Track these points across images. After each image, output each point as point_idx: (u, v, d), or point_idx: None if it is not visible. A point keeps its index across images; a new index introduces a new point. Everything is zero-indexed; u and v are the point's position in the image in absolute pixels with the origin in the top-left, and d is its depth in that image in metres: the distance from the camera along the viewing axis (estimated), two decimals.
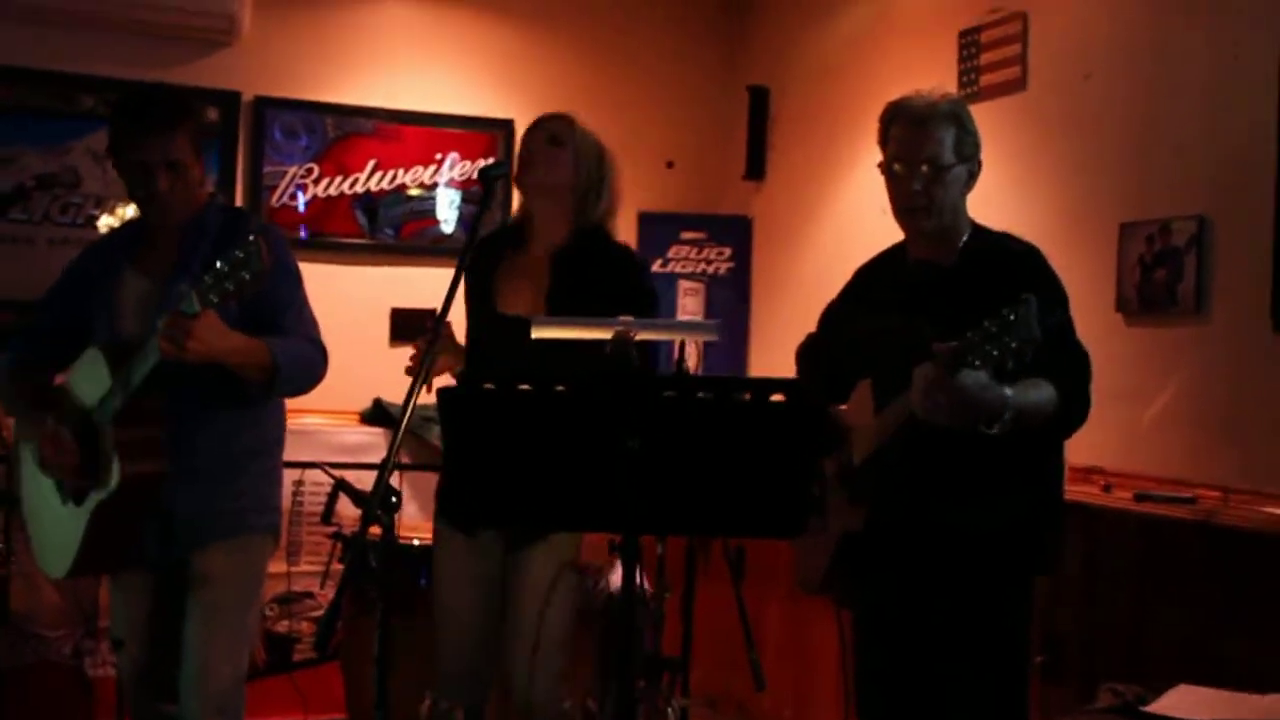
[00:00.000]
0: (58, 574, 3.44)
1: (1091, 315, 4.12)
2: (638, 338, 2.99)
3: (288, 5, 5.84)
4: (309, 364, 3.39)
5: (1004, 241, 3.15)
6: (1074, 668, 4.10)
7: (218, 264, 2.99)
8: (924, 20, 5.15)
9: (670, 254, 6.19)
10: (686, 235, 6.16)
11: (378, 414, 5.69)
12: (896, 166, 3.13)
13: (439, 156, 5.95)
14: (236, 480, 3.47)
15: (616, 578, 4.70)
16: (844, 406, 3.24)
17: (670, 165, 6.36)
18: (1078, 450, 4.15)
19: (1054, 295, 3.00)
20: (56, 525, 3.41)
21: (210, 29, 5.60)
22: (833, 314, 3.48)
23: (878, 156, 4.79)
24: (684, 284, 6.19)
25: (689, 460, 2.39)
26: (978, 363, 2.59)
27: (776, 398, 2.38)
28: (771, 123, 6.13)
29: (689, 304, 6.17)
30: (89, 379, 3.38)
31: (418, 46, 6.09)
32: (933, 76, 4.96)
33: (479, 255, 3.61)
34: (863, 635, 3.24)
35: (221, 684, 3.38)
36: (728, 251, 6.24)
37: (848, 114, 5.53)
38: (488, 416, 2.43)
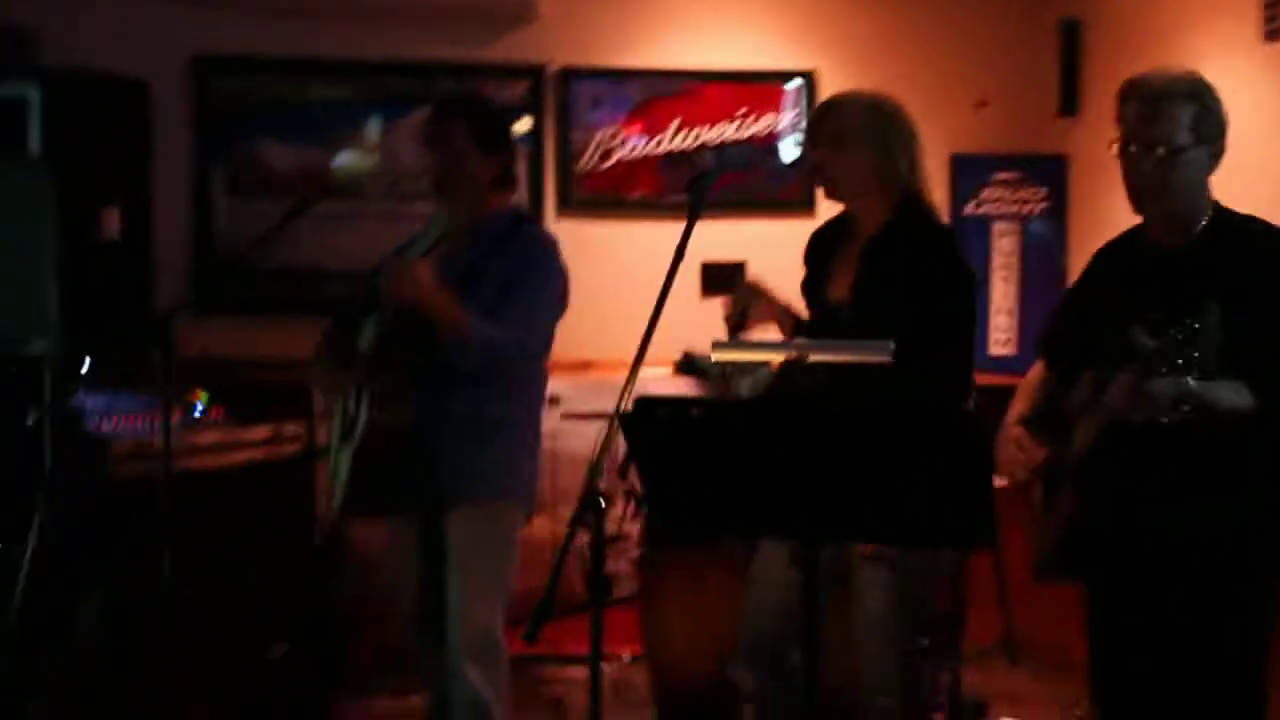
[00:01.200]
0: (335, 503, 3.85)
1: None
2: (811, 359, 3.03)
3: None
4: (501, 352, 3.66)
5: (1246, 226, 3.06)
6: None
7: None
8: None
9: (983, 195, 6.20)
10: (1000, 176, 6.14)
11: (688, 366, 5.90)
12: (1131, 148, 3.07)
13: (743, 111, 6.08)
14: (485, 447, 3.81)
15: None
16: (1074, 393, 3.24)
17: (982, 105, 6.31)
18: None
19: None
20: (339, 465, 3.84)
21: (510, 8, 5.96)
22: (1071, 298, 3.46)
23: None
24: (998, 225, 6.19)
25: (857, 474, 2.49)
26: (1165, 370, 2.64)
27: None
28: (1084, 57, 6.01)
29: (1004, 245, 6.19)
30: (368, 334, 3.82)
31: (714, 4, 6.24)
32: (1232, 9, 4.78)
33: (818, 243, 3.72)
34: (1093, 626, 3.27)
35: (477, 632, 3.73)
36: (1043, 192, 6.17)
37: (1161, 44, 5.39)
38: (667, 437, 2.61)
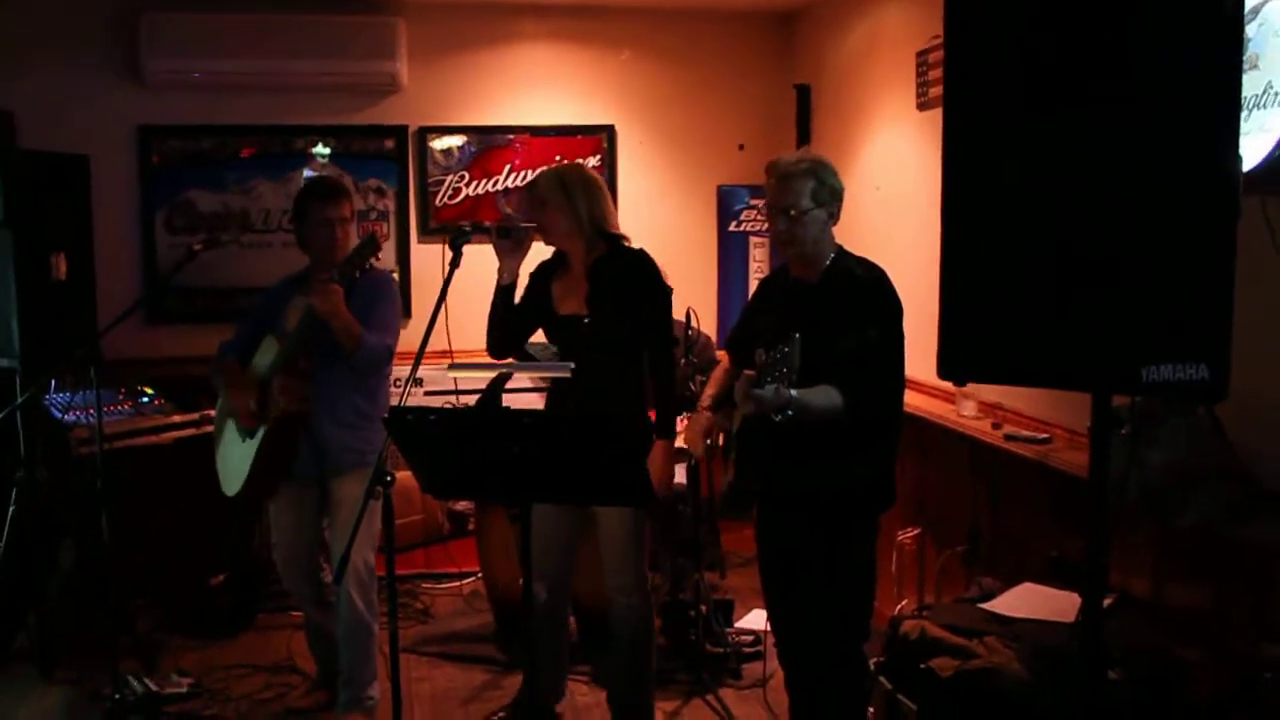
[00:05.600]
0: (233, 493, 4.08)
1: None
2: (517, 375, 3.34)
3: (435, 59, 6.21)
4: (377, 352, 4.03)
5: (856, 267, 3.32)
6: (982, 555, 4.35)
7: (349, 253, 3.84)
8: (895, 40, 5.22)
9: (742, 217, 6.40)
10: (754, 201, 6.33)
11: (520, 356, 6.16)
12: (769, 211, 3.37)
13: (558, 157, 6.23)
14: (359, 430, 4.13)
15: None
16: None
17: (741, 148, 6.54)
18: (988, 393, 4.33)
19: (876, 316, 3.19)
20: (237, 457, 4.07)
21: (380, 84, 6.06)
22: (744, 311, 3.77)
23: (879, 141, 4.79)
24: (753, 240, 6.41)
25: (548, 460, 2.74)
26: (769, 380, 2.86)
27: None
28: (813, 111, 6.24)
29: (758, 254, 6.39)
30: (264, 354, 4.07)
31: (540, 75, 6.36)
32: (901, 83, 5.08)
33: (539, 274, 3.97)
34: (759, 551, 3.57)
35: (357, 566, 4.04)
36: None
37: (856, 107, 5.66)
38: (422, 432, 2.88)
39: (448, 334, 3.54)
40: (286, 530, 4.20)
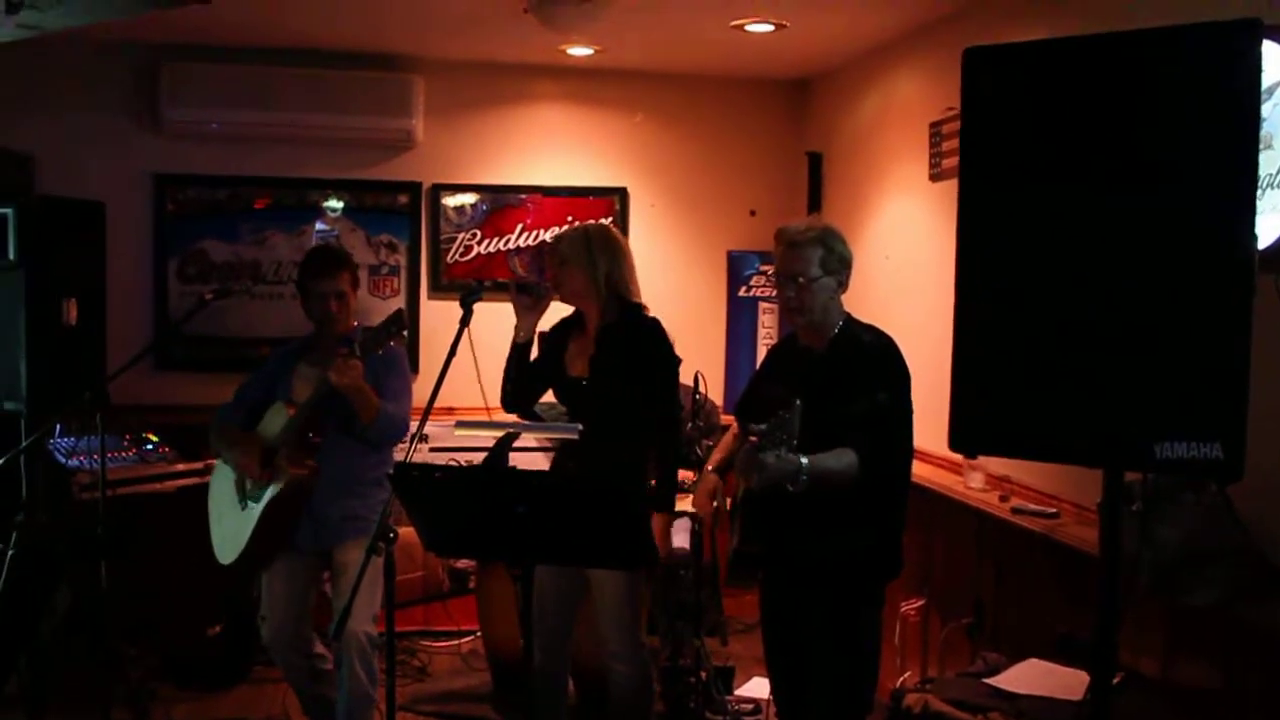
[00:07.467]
0: (228, 561, 4.02)
1: None
2: (523, 436, 3.33)
3: (451, 117, 6.25)
4: (394, 427, 4.00)
5: (864, 334, 3.31)
6: (986, 629, 4.30)
7: (374, 327, 3.76)
8: (909, 110, 5.25)
9: (752, 283, 6.39)
10: (764, 267, 6.33)
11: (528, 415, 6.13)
12: (778, 279, 3.37)
13: (570, 218, 6.27)
14: (365, 498, 4.07)
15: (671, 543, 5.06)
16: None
17: (753, 213, 6.56)
18: (997, 465, 4.30)
19: (885, 381, 3.18)
20: (234, 525, 4.02)
21: (395, 140, 6.10)
22: (752, 379, 3.76)
23: (891, 210, 4.74)
24: (762, 305, 6.39)
25: (550, 520, 2.71)
26: (769, 448, 2.86)
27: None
28: (824, 179, 6.27)
29: (766, 320, 6.37)
30: (273, 419, 4.01)
31: (554, 136, 6.39)
32: (914, 153, 5.10)
33: (556, 334, 3.97)
34: (763, 619, 3.53)
35: (358, 636, 3.95)
36: None
37: (867, 174, 5.69)
38: (426, 490, 2.85)
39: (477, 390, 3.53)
40: (278, 602, 4.10)
